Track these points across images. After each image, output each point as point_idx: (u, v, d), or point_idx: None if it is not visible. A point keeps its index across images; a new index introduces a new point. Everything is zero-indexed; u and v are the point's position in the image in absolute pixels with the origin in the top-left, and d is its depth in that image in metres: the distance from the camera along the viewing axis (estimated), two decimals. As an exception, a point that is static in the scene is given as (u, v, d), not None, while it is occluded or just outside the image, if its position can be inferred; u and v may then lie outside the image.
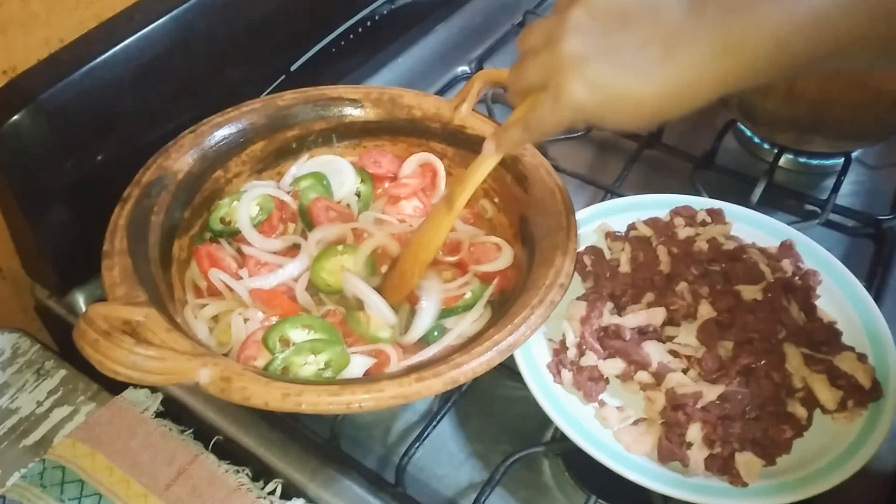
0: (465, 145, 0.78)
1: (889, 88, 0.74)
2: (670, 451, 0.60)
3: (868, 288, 0.72)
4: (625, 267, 0.73)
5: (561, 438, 0.66)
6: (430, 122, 0.79)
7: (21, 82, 0.68)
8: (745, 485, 0.59)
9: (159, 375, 0.52)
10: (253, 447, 0.67)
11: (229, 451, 0.66)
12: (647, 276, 0.72)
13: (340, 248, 0.71)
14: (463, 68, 1.08)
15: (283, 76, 0.89)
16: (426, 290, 0.66)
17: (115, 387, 0.68)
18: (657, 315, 0.69)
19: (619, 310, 0.71)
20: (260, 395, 0.52)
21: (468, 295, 0.68)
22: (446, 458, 0.69)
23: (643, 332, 0.68)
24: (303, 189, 0.76)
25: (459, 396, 0.69)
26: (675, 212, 0.79)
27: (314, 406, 0.52)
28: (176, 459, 0.65)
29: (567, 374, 0.65)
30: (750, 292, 0.70)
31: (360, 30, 0.98)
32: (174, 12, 0.74)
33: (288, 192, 0.77)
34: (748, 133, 0.96)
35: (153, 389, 0.69)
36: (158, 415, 0.68)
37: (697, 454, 0.60)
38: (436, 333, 0.66)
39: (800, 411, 0.63)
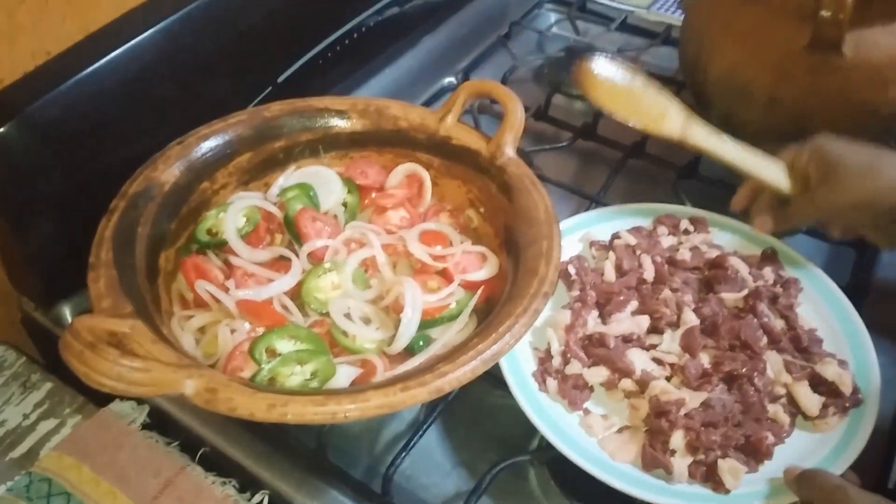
0: (450, 156, 0.78)
1: (868, 99, 0.75)
2: (654, 458, 0.61)
3: (849, 295, 0.73)
4: (609, 275, 0.74)
5: (547, 447, 0.66)
6: (416, 132, 0.80)
7: (7, 94, 0.68)
8: (727, 491, 0.59)
9: (145, 387, 0.52)
10: (239, 458, 0.67)
11: (216, 463, 0.66)
12: (631, 285, 0.73)
13: (328, 264, 0.71)
14: (449, 79, 1.09)
15: (270, 88, 0.89)
16: (410, 300, 0.67)
17: (101, 399, 0.68)
18: (641, 323, 0.70)
19: (604, 318, 0.71)
20: (245, 405, 0.53)
21: (453, 304, 0.69)
22: (433, 468, 0.69)
23: (627, 340, 0.69)
24: (289, 200, 0.76)
25: (446, 406, 0.69)
26: (659, 220, 0.80)
27: (300, 416, 0.52)
28: (162, 471, 0.65)
29: (552, 383, 0.66)
30: (732, 300, 0.72)
31: (346, 41, 0.99)
32: (161, 24, 0.74)
33: (275, 204, 0.77)
34: (731, 143, 0.97)
35: (139, 401, 0.69)
36: (145, 427, 0.68)
37: (681, 461, 0.61)
38: (421, 343, 0.67)
39: (782, 417, 0.64)
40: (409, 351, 0.66)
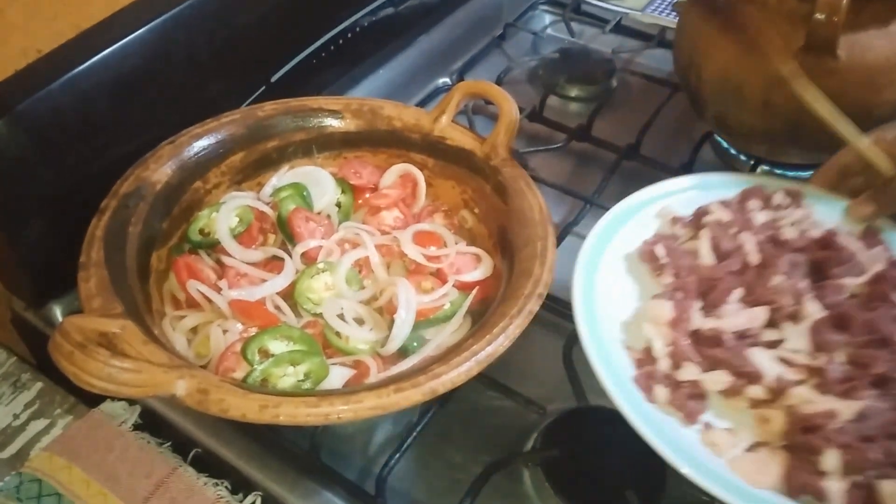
0: (445, 156, 0.78)
1: (862, 101, 0.75)
2: (804, 482, 0.51)
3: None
4: (707, 258, 0.63)
5: (540, 448, 0.66)
6: (410, 132, 0.79)
7: (-2, 93, 0.68)
8: None
9: (135, 388, 0.51)
10: (232, 459, 0.66)
11: (208, 464, 0.66)
12: (733, 269, 0.62)
13: (321, 265, 0.71)
14: (444, 80, 1.09)
15: (264, 87, 0.89)
16: (404, 301, 0.66)
17: (92, 399, 0.68)
18: (759, 314, 0.59)
19: (706, 310, 0.61)
20: (237, 406, 0.52)
21: (447, 305, 0.68)
22: (427, 469, 0.68)
23: (742, 337, 0.58)
24: (282, 200, 0.76)
25: (440, 407, 0.68)
26: (748, 193, 0.70)
27: (292, 418, 0.52)
28: (154, 472, 0.65)
29: (661, 391, 0.55)
30: (852, 286, 0.61)
31: (340, 41, 0.98)
32: (153, 23, 0.74)
33: (268, 203, 0.77)
34: (725, 145, 0.97)
35: (131, 402, 0.69)
36: (136, 427, 0.68)
37: (836, 485, 0.51)
38: (415, 344, 0.66)
39: None
40: (403, 352, 0.66)
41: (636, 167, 0.94)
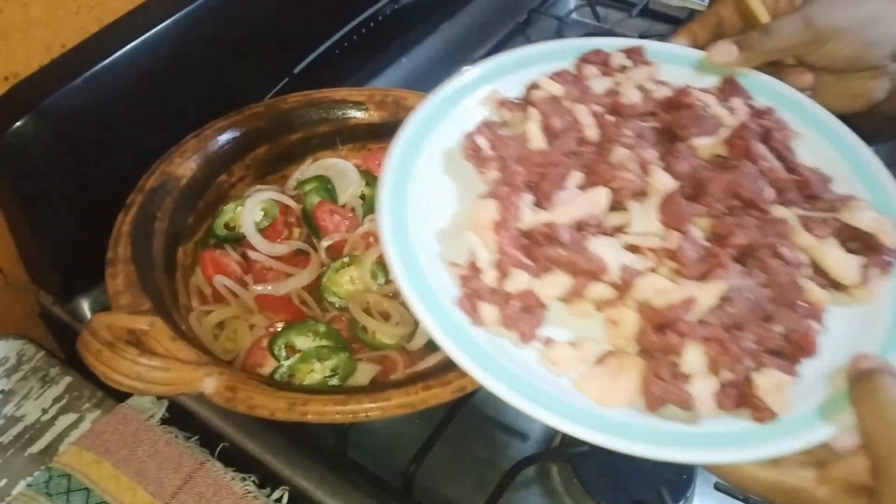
0: (470, 147, 0.77)
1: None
2: (662, 391, 0.42)
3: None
4: (537, 141, 0.53)
5: (570, 442, 0.65)
6: (434, 124, 0.78)
7: (23, 89, 0.67)
8: (774, 416, 0.42)
9: (164, 386, 0.52)
10: (259, 454, 0.66)
11: (235, 458, 0.66)
12: (569, 149, 0.52)
13: (346, 259, 0.70)
14: (467, 68, 1.07)
15: (287, 79, 0.88)
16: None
17: (120, 394, 0.67)
18: (598, 198, 0.48)
19: (541, 202, 0.49)
20: (265, 404, 0.52)
21: (475, 299, 0.67)
22: (455, 465, 0.68)
23: (581, 228, 0.48)
24: (306, 193, 0.75)
25: (466, 401, 0.68)
26: (584, 60, 0.59)
27: (320, 416, 0.52)
28: (182, 467, 0.65)
29: (488, 310, 0.45)
30: (709, 146, 0.53)
31: (363, 31, 0.97)
32: (176, 16, 0.73)
33: (292, 197, 0.76)
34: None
35: (158, 396, 0.69)
36: (164, 421, 0.68)
37: (703, 388, 0.42)
38: (442, 339, 0.66)
39: (818, 295, 0.46)
40: (430, 347, 0.65)
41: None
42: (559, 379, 0.44)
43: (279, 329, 0.65)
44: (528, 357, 0.44)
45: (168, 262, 0.67)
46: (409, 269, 0.45)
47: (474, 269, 0.47)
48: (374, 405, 0.52)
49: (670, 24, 1.12)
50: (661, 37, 1.09)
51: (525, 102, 0.55)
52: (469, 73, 0.57)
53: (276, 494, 0.64)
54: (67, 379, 0.73)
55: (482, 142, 0.52)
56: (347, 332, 0.66)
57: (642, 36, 1.10)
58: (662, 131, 0.54)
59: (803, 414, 0.42)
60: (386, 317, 0.68)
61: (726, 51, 0.57)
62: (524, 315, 0.45)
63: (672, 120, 0.54)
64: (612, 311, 0.46)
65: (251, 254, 0.71)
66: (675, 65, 0.60)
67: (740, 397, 0.43)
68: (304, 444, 0.67)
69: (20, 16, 0.66)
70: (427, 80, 1.04)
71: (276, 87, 0.87)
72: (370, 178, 0.79)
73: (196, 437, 0.67)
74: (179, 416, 0.69)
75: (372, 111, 0.79)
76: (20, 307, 0.82)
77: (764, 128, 0.53)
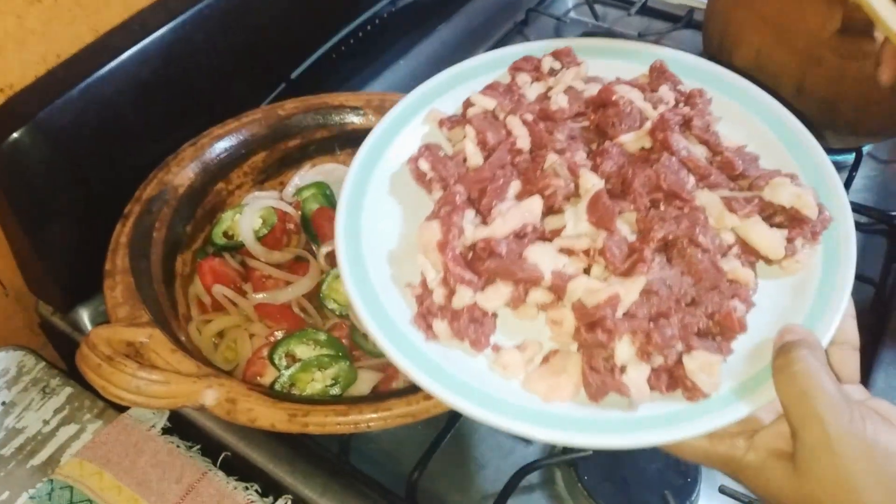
0: (469, 151, 0.77)
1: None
2: (600, 383, 0.45)
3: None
4: (474, 158, 0.55)
5: (573, 449, 0.65)
6: (432, 127, 0.78)
7: (19, 100, 0.67)
8: (705, 395, 0.45)
9: (164, 399, 0.51)
10: (261, 463, 0.66)
11: (238, 468, 0.66)
12: (504, 162, 0.54)
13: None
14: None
15: (284, 84, 0.88)
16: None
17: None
18: (532, 206, 0.51)
19: (485, 217, 0.52)
20: (266, 416, 0.52)
21: (476, 305, 0.67)
22: (458, 471, 0.68)
23: (521, 236, 0.50)
24: (305, 199, 0.75)
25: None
26: (515, 67, 0.61)
27: (321, 427, 0.51)
28: (184, 477, 0.65)
29: (441, 325, 0.48)
30: (635, 141, 0.54)
31: (360, 34, 0.97)
32: (172, 24, 0.73)
33: (291, 203, 0.76)
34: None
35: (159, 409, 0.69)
36: (165, 431, 0.68)
37: (636, 376, 0.45)
38: (443, 345, 0.65)
39: (744, 274, 0.48)
40: (431, 353, 0.65)
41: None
42: (509, 382, 0.46)
43: (279, 338, 0.64)
44: (479, 365, 0.47)
45: (167, 271, 0.67)
46: (364, 292, 0.48)
47: (426, 288, 0.49)
48: (375, 415, 0.52)
49: (669, 21, 1.11)
50: (660, 34, 1.09)
51: (462, 118, 0.58)
52: (411, 95, 0.60)
53: (278, 503, 0.63)
54: (68, 390, 0.73)
55: (424, 165, 0.54)
56: (348, 340, 0.66)
57: (641, 34, 1.09)
58: (596, 131, 0.56)
59: (733, 389, 0.45)
60: (387, 323, 0.67)
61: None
62: (473, 325, 0.48)
63: (599, 120, 0.55)
64: (554, 312, 0.48)
65: (250, 262, 0.70)
66: (606, 59, 0.61)
67: (672, 380, 0.45)
68: (307, 453, 0.66)
69: (15, 27, 0.66)
70: (426, 82, 1.04)
71: (273, 93, 0.87)
72: (369, 184, 0.78)
73: (198, 447, 0.67)
74: (181, 425, 0.69)
75: (370, 116, 0.79)
76: (20, 318, 0.81)
77: (683, 116, 0.54)
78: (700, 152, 0.53)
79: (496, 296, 0.48)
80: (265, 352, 0.63)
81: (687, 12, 1.10)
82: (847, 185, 0.84)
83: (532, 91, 0.59)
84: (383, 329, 0.47)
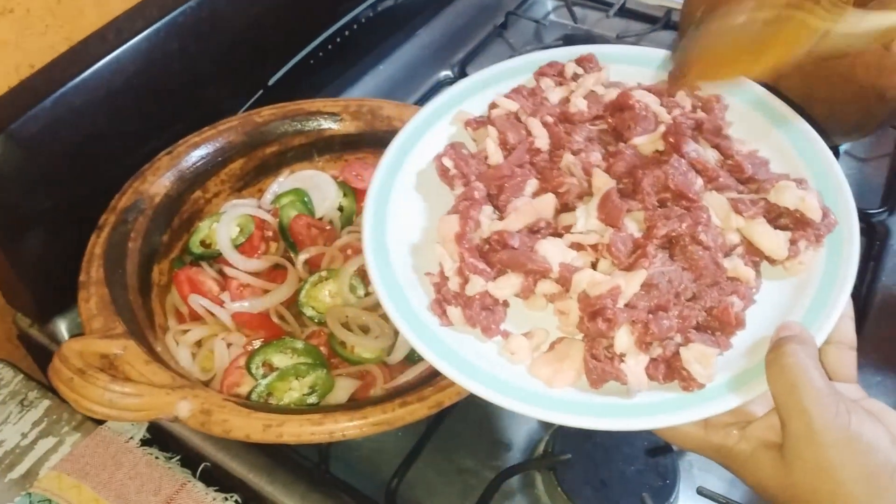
0: (446, 156, 0.77)
1: (873, 83, 0.73)
2: (600, 371, 0.47)
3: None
4: (495, 157, 0.58)
5: (552, 452, 0.65)
6: (410, 133, 0.78)
7: (-8, 110, 0.67)
8: (701, 385, 0.46)
9: (137, 412, 0.51)
10: (241, 473, 0.66)
11: (217, 478, 0.66)
12: (523, 161, 0.57)
13: (324, 273, 0.70)
14: (446, 73, 1.07)
15: (261, 91, 0.88)
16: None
17: (99, 416, 0.67)
18: (546, 205, 0.54)
19: (501, 212, 0.55)
20: (241, 427, 0.52)
21: (454, 311, 0.67)
22: (438, 477, 0.68)
23: (535, 231, 0.53)
24: (283, 207, 0.75)
25: (449, 413, 0.68)
26: (540, 73, 0.64)
27: (296, 437, 0.51)
28: (163, 489, 0.64)
29: (454, 312, 0.51)
30: (648, 144, 0.56)
31: (338, 39, 0.97)
32: (146, 32, 0.72)
33: (269, 211, 0.76)
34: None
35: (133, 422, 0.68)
36: (144, 442, 0.67)
37: (634, 365, 0.47)
38: (421, 352, 0.65)
39: (744, 272, 0.50)
40: (410, 360, 0.65)
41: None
42: (515, 366, 0.49)
43: (256, 347, 0.64)
44: (489, 350, 0.50)
45: (143, 282, 0.66)
46: (386, 280, 0.51)
47: (443, 277, 0.52)
48: (350, 424, 0.52)
49: (648, 23, 1.12)
50: (639, 36, 1.09)
51: (487, 120, 0.60)
52: (440, 97, 0.63)
53: (259, 513, 0.63)
54: (46, 402, 0.73)
55: (448, 162, 0.57)
56: (326, 348, 0.66)
57: (620, 35, 1.09)
58: (611, 133, 0.58)
59: (727, 381, 0.46)
60: (365, 330, 0.67)
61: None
62: (485, 313, 0.50)
63: (616, 123, 0.58)
64: (561, 303, 0.51)
65: (228, 270, 0.70)
66: (629, 65, 0.64)
67: (669, 371, 0.47)
68: (286, 462, 0.66)
69: (-14, 38, 0.66)
70: (407, 86, 1.04)
71: (250, 100, 0.86)
72: (347, 190, 0.78)
73: (177, 457, 0.67)
74: (160, 436, 0.68)
75: (347, 122, 0.79)
76: (-2, 330, 0.81)
77: (696, 120, 0.56)
78: (711, 156, 0.55)
79: (507, 285, 0.51)
80: (242, 361, 0.63)
81: (665, 13, 1.11)
82: (824, 184, 0.85)
83: (555, 95, 0.62)
84: (402, 313, 0.50)
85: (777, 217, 0.52)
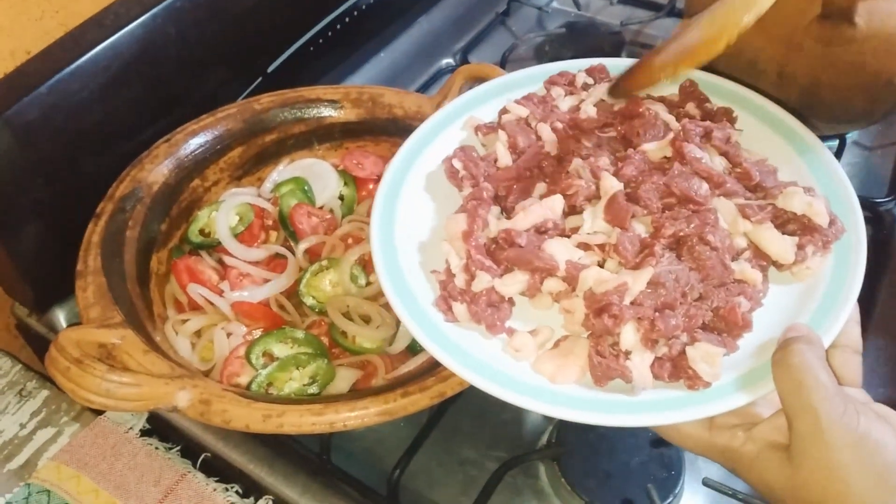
0: (448, 144, 0.76)
1: (881, 69, 0.72)
2: (605, 368, 0.47)
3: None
4: (504, 159, 0.60)
5: (555, 443, 0.64)
6: (412, 120, 0.77)
7: (-14, 98, 0.66)
8: (707, 384, 0.47)
9: (135, 402, 0.50)
10: (241, 464, 0.65)
11: (218, 469, 0.65)
12: (531, 164, 0.59)
13: (325, 262, 0.69)
14: (447, 61, 1.06)
15: (261, 78, 0.87)
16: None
17: (98, 406, 0.67)
18: (554, 206, 0.55)
19: (508, 213, 0.57)
20: (240, 417, 0.51)
21: (456, 300, 0.66)
22: (440, 468, 0.67)
23: (542, 231, 0.54)
24: (283, 195, 0.74)
25: (451, 403, 0.67)
26: (551, 81, 0.66)
27: (296, 427, 0.51)
28: (163, 479, 0.64)
29: (459, 308, 0.51)
30: (657, 150, 0.57)
31: (338, 26, 0.96)
32: (143, 18, 0.72)
33: (268, 199, 0.75)
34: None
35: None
36: (144, 433, 0.67)
37: (639, 362, 0.47)
38: (423, 341, 0.65)
39: (751, 275, 0.51)
40: (412, 350, 0.64)
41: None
42: (520, 363, 0.49)
43: (257, 337, 0.63)
44: (494, 346, 0.50)
45: (141, 271, 0.65)
46: (393, 276, 0.52)
47: (450, 273, 0.53)
48: (351, 414, 0.51)
49: (651, 10, 1.10)
50: (643, 23, 1.08)
51: (497, 125, 0.62)
52: (452, 103, 0.65)
53: (259, 504, 0.63)
54: (45, 392, 0.72)
55: (457, 164, 0.59)
56: (327, 338, 0.65)
57: (624, 23, 1.08)
58: (619, 140, 0.59)
59: (733, 380, 0.47)
60: (367, 320, 0.66)
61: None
62: (490, 310, 0.51)
63: (626, 129, 0.59)
64: (567, 301, 0.51)
65: (227, 259, 0.69)
66: None
67: (675, 370, 0.47)
68: (287, 452, 0.66)
69: (-19, 23, 0.65)
70: (408, 74, 1.03)
71: (249, 87, 0.85)
72: (348, 178, 0.78)
73: (177, 448, 0.66)
74: (160, 427, 0.68)
75: (348, 109, 0.78)
76: (-4, 319, 0.80)
77: (705, 129, 0.57)
78: (719, 163, 0.56)
79: (513, 282, 0.51)
80: (242, 351, 0.62)
81: (669, 1, 1.09)
82: (830, 172, 0.84)
83: (565, 103, 0.64)
84: (408, 308, 0.51)
85: (785, 223, 0.53)
